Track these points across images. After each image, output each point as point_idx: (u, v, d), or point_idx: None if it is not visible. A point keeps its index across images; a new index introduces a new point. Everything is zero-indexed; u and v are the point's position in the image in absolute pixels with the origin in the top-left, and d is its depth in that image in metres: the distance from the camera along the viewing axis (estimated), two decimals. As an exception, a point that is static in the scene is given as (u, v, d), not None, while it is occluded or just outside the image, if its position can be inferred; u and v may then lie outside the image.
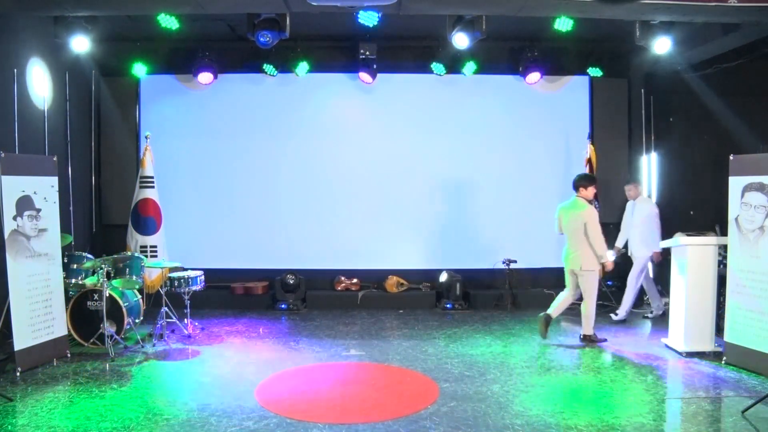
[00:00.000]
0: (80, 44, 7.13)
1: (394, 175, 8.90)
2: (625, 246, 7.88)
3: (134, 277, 6.70)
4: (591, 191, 6.78)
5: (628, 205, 7.91)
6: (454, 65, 8.52)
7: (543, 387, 5.34)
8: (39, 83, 7.26)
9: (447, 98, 8.91)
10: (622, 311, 7.73)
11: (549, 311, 6.78)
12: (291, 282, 8.53)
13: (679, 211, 8.49)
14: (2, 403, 4.86)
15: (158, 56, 8.60)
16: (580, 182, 6.76)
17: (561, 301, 6.83)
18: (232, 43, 8.56)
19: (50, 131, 7.46)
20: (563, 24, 7.21)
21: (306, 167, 8.89)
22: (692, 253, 6.16)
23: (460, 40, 6.70)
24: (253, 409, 4.81)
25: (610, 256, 6.90)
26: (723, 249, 6.27)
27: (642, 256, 7.58)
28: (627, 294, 7.69)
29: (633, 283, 7.65)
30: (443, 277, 8.62)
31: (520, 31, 8.16)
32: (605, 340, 6.77)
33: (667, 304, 6.66)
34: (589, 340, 6.71)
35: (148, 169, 8.06)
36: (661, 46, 6.81)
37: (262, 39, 6.57)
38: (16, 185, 5.70)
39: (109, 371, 5.76)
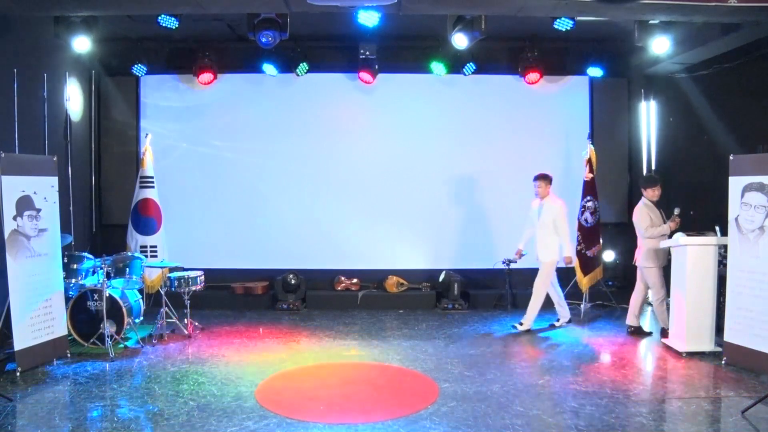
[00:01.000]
0: (81, 44, 7.14)
1: (394, 175, 8.90)
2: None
3: (134, 277, 6.70)
4: (650, 192, 6.76)
5: (534, 203, 7.49)
6: (454, 65, 8.52)
7: (543, 387, 5.34)
8: (39, 84, 7.26)
9: (447, 98, 8.91)
10: (527, 322, 7.24)
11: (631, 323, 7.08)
12: (292, 282, 8.53)
13: (679, 211, 8.49)
14: (2, 403, 4.86)
15: (158, 56, 8.60)
16: (641, 184, 6.96)
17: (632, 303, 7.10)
18: (232, 43, 8.56)
19: (50, 131, 7.45)
20: (563, 24, 7.21)
21: (306, 167, 8.89)
22: (692, 253, 6.16)
23: (460, 40, 6.70)
24: (253, 409, 4.81)
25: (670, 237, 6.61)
26: (723, 249, 6.26)
27: (549, 261, 7.22)
28: (533, 302, 7.25)
29: (540, 291, 7.24)
30: (442, 277, 8.62)
31: (520, 31, 8.16)
32: (650, 333, 7.05)
33: (668, 303, 6.65)
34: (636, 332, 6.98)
35: (148, 169, 8.06)
36: (660, 46, 6.82)
37: (264, 39, 6.57)
38: (16, 185, 5.70)
39: (109, 371, 5.76)
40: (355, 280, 8.86)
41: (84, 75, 8.47)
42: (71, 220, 7.90)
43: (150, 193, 8.06)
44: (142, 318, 7.08)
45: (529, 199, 8.95)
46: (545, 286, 7.29)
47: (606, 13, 6.18)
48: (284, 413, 4.71)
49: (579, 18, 6.96)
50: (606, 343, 6.77)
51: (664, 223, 6.68)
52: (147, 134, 8.19)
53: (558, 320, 7.50)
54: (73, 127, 8.10)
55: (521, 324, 7.25)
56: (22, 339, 5.61)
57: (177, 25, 7.21)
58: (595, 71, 8.63)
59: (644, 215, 6.72)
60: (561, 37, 7.63)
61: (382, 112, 8.92)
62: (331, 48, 8.85)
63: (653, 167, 9.04)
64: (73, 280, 6.48)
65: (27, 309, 5.69)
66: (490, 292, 8.71)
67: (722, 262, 6.30)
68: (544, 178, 7.32)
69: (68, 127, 7.97)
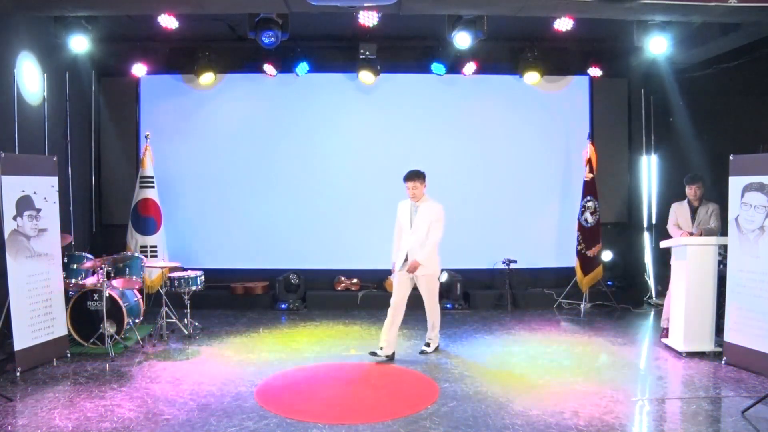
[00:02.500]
0: (79, 44, 7.14)
1: (395, 174, 8.81)
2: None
3: (134, 277, 6.70)
4: (686, 191, 6.57)
5: (403, 206, 6.40)
6: (454, 65, 8.51)
7: (543, 387, 5.34)
8: (38, 82, 7.26)
9: (447, 98, 8.90)
10: (435, 339, 6.45)
11: None
12: (294, 281, 8.53)
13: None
14: (2, 403, 4.86)
15: (158, 56, 8.60)
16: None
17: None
18: (232, 43, 8.55)
19: (50, 131, 7.45)
20: (563, 24, 7.21)
21: (305, 167, 8.88)
22: (692, 253, 6.16)
23: (463, 40, 6.69)
24: (253, 409, 4.81)
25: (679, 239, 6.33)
26: (723, 249, 6.27)
27: (431, 273, 6.26)
28: (433, 321, 6.39)
29: (436, 307, 6.37)
30: (443, 278, 8.59)
31: (520, 31, 8.16)
32: None
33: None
34: None
35: (148, 169, 8.06)
36: (658, 46, 6.81)
37: (266, 40, 6.56)
38: (16, 185, 5.70)
39: (109, 371, 5.76)
40: (355, 280, 8.85)
41: (84, 75, 8.46)
42: (71, 220, 7.90)
43: (150, 193, 8.06)
44: (142, 318, 7.08)
45: (529, 199, 9.00)
46: (437, 299, 6.39)
47: (606, 13, 6.18)
48: (284, 413, 4.72)
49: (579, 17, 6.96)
50: (606, 343, 6.77)
51: (692, 225, 6.52)
52: (147, 134, 8.19)
53: (429, 345, 6.46)
54: (73, 127, 8.09)
55: (428, 346, 6.39)
56: (22, 339, 5.61)
57: (177, 25, 7.22)
58: (595, 71, 8.63)
59: (671, 213, 6.72)
60: (561, 37, 7.63)
61: (382, 112, 8.91)
62: (331, 48, 8.84)
63: (653, 167, 9.04)
64: (73, 280, 6.49)
65: (27, 309, 5.69)
66: (490, 292, 8.70)
67: (722, 262, 6.30)
68: (420, 177, 6.21)
69: (68, 127, 7.97)
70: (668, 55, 7.53)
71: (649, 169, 9.11)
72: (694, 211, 6.60)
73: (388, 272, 8.81)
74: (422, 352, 6.35)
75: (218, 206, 8.89)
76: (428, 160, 8.85)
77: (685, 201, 6.68)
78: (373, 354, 6.07)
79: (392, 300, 6.19)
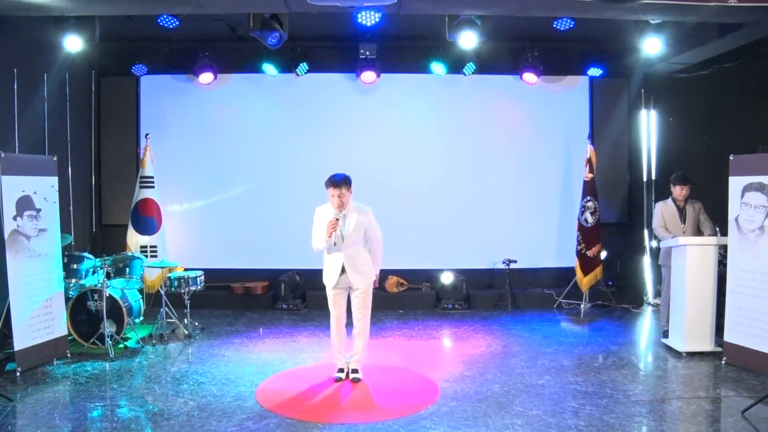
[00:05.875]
0: (77, 44, 7.13)
1: (394, 174, 8.89)
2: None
3: (134, 277, 6.70)
4: (675, 191, 6.56)
5: (324, 213, 5.64)
6: (454, 65, 8.50)
7: (543, 387, 5.34)
8: (40, 84, 7.26)
9: (447, 98, 8.90)
10: (360, 369, 5.60)
11: None
12: (299, 280, 8.53)
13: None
14: (2, 403, 4.86)
15: (158, 56, 8.60)
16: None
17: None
18: (232, 43, 8.55)
19: (50, 131, 7.45)
20: (563, 24, 7.21)
21: (305, 167, 8.86)
22: (692, 253, 6.16)
23: (468, 40, 6.68)
24: (253, 409, 4.81)
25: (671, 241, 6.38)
26: (723, 249, 6.27)
27: (370, 283, 5.55)
28: (365, 338, 5.59)
29: (369, 322, 5.61)
30: (448, 279, 8.58)
31: (520, 31, 8.16)
32: None
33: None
34: None
35: (148, 169, 8.06)
36: (653, 46, 6.82)
37: (271, 40, 6.56)
38: (16, 185, 5.70)
39: (109, 371, 5.76)
40: (355, 280, 8.83)
41: (84, 75, 8.47)
42: (71, 220, 7.90)
43: (150, 193, 8.06)
44: (142, 318, 7.08)
45: (529, 199, 8.99)
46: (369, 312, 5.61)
47: (606, 13, 6.19)
48: (284, 413, 4.72)
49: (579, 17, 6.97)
50: (606, 343, 6.77)
51: (681, 225, 6.52)
52: (147, 134, 8.19)
53: (356, 371, 5.60)
54: (73, 127, 8.09)
55: (357, 372, 5.56)
56: (22, 339, 5.61)
57: (177, 25, 7.22)
58: (595, 71, 8.63)
59: (656, 214, 6.67)
60: (561, 37, 7.63)
61: (382, 112, 8.91)
62: (331, 48, 8.84)
63: (653, 167, 9.04)
64: (73, 280, 6.49)
65: (27, 309, 5.69)
66: (490, 292, 8.71)
67: (722, 262, 6.30)
68: (348, 183, 5.61)
69: (68, 127, 7.97)
70: (668, 55, 7.53)
71: (649, 169, 9.11)
72: (680, 210, 6.60)
73: (387, 272, 8.89)
74: (357, 380, 5.49)
75: (218, 206, 8.89)
76: (428, 160, 8.91)
77: (670, 200, 6.66)
78: (339, 380, 5.49)
79: (335, 316, 5.65)
